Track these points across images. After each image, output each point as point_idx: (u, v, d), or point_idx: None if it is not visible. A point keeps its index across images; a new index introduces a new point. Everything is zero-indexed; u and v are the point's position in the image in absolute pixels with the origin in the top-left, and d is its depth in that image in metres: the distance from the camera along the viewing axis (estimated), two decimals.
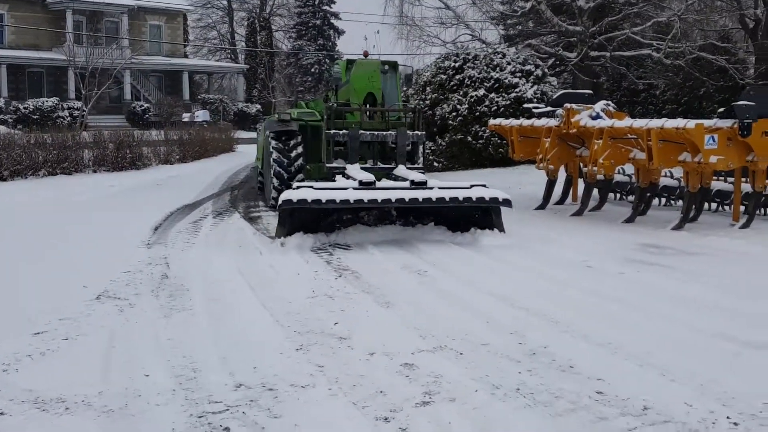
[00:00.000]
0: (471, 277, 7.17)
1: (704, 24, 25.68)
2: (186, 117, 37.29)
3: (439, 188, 8.33)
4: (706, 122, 9.83)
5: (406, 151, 10.37)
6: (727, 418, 3.99)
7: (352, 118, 10.76)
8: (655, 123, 10.13)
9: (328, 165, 10.09)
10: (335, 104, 10.70)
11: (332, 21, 51.76)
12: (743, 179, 10.58)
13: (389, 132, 10.37)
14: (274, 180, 11.45)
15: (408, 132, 10.24)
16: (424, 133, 10.84)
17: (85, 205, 13.53)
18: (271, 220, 11.43)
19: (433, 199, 8.17)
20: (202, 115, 39.13)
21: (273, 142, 11.52)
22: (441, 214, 8.95)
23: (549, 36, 24.10)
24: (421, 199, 8.10)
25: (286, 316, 6.00)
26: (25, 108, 35.75)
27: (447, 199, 8.21)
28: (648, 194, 11.36)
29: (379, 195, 8.06)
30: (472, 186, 8.57)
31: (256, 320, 5.91)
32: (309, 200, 7.75)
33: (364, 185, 8.19)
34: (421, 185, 8.28)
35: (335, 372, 4.70)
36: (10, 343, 5.21)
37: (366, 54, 12.88)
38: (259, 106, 44.60)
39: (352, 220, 8.80)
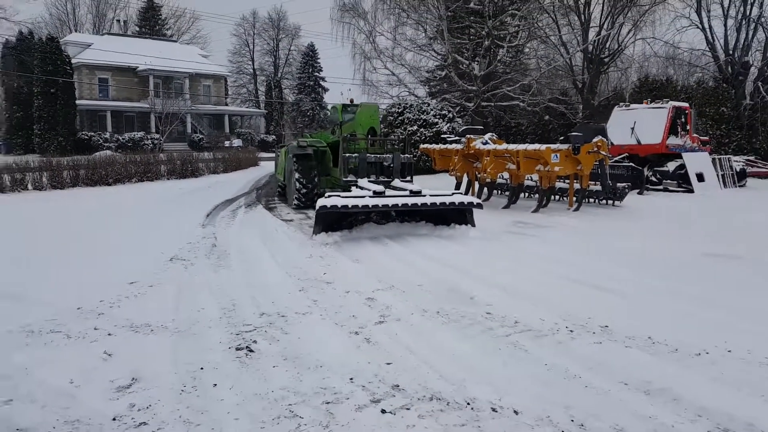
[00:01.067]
0: (420, 249, 7.12)
1: (551, 85, 26.44)
2: (227, 143, 36.89)
3: (430, 195, 7.60)
4: (552, 146, 10.11)
5: (400, 169, 9.58)
6: (566, 327, 4.10)
7: (357, 145, 9.86)
8: (521, 147, 10.33)
9: (344, 179, 9.17)
10: (348, 135, 9.79)
11: (320, 82, 51.64)
12: (575, 181, 10.84)
13: (387, 155, 9.60)
14: (296, 192, 10.81)
15: (401, 155, 9.58)
16: (412, 155, 10.22)
17: (163, 200, 13.28)
18: (282, 210, 11.32)
19: (428, 204, 7.52)
20: (237, 142, 38.70)
21: (296, 164, 10.80)
22: (428, 214, 8.16)
23: (456, 92, 24.26)
24: (419, 204, 7.51)
25: (292, 269, 5.98)
26: (123, 138, 35.05)
27: (438, 204, 7.54)
28: (517, 190, 11.52)
29: (389, 201, 7.43)
30: (453, 193, 7.83)
31: (272, 273, 5.89)
32: (339, 206, 7.03)
33: (377, 194, 7.46)
34: (417, 194, 7.62)
35: (324, 304, 4.72)
36: (115, 289, 5.15)
37: (351, 101, 11.86)
38: (274, 136, 44.49)
39: (365, 219, 8.03)
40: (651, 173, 14.73)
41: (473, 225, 8.03)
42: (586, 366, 3.41)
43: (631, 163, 14.09)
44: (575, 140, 9.85)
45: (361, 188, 8.34)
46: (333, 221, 7.56)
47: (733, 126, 23.85)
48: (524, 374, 3.32)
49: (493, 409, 2.89)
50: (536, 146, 10.13)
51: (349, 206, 7.11)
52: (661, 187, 14.54)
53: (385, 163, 9.67)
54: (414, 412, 2.86)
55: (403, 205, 7.50)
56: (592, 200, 11.49)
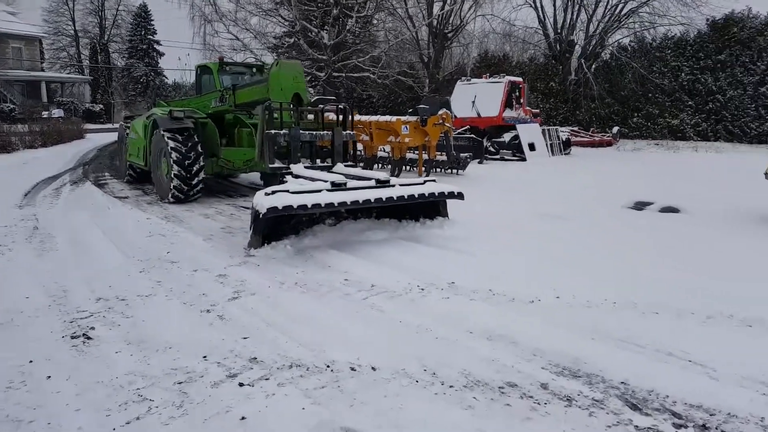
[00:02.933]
0: None
1: (400, 58, 27.47)
2: (45, 114, 32.75)
3: (401, 185, 5.93)
4: (402, 118, 10.53)
5: (342, 149, 7.63)
6: (417, 286, 4.38)
7: (274, 119, 7.26)
8: (374, 118, 10.61)
9: (270, 165, 6.89)
10: (270, 103, 6.99)
11: (155, 46, 47.70)
12: (423, 152, 11.45)
13: (325, 132, 7.51)
14: (174, 181, 8.04)
15: (342, 131, 7.55)
16: (354, 132, 8.27)
17: None
18: (115, 186, 10.44)
19: (405, 196, 5.75)
20: (57, 112, 34.48)
21: (171, 142, 7.99)
22: (397, 208, 6.22)
23: (306, 61, 24.00)
24: (395, 197, 5.63)
25: (131, 250, 5.59)
26: None
27: (416, 195, 5.85)
28: (399, 164, 11.55)
29: (358, 195, 5.42)
30: (425, 182, 6.20)
31: (108, 254, 5.44)
32: (295, 206, 4.99)
33: (337, 186, 5.54)
34: (385, 183, 5.89)
35: (170, 284, 4.50)
36: None
37: (221, 59, 9.87)
38: (101, 106, 40.39)
39: (315, 221, 5.95)
40: (489, 144, 16.02)
41: (447, 216, 6.46)
42: (436, 319, 3.70)
43: (472, 135, 15.20)
44: (422, 113, 10.38)
45: (299, 178, 6.28)
46: (271, 227, 5.45)
47: (560, 99, 26.73)
48: (381, 333, 3.50)
49: (352, 368, 3.02)
50: (388, 118, 10.49)
51: (309, 206, 5.07)
52: (498, 156, 15.89)
53: (319, 143, 7.81)
54: (273, 382, 2.89)
55: (376, 199, 5.53)
56: (438, 169, 12.20)
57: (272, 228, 5.40)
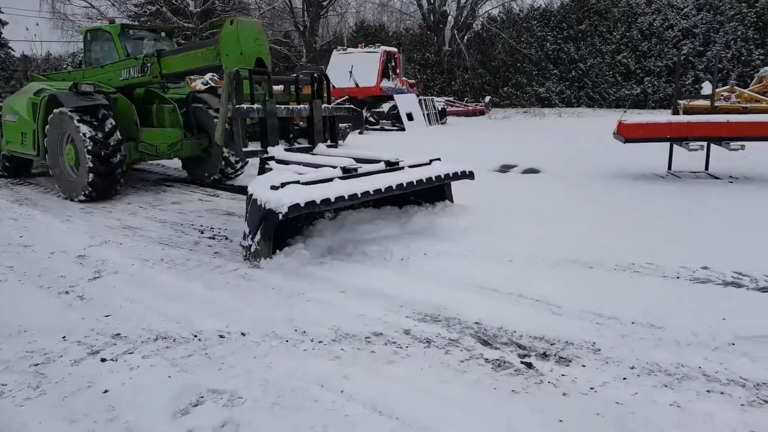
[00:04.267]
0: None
1: (274, 26, 26.90)
2: None
3: (410, 167, 5.15)
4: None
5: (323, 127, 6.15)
6: None
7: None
8: None
9: (244, 150, 5.28)
10: (238, 71, 5.25)
11: None
12: (301, 121, 11.34)
13: (304, 106, 5.94)
14: (91, 174, 6.49)
15: (322, 104, 6.01)
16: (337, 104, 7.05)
17: None
18: None
19: (424, 180, 4.99)
20: None
21: (83, 126, 6.44)
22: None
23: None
24: (415, 182, 4.88)
25: None
26: None
27: (433, 178, 5.10)
28: None
29: (378, 183, 4.57)
30: (431, 161, 5.48)
31: None
32: (318, 201, 4.04)
33: (349, 173, 4.64)
34: (394, 165, 5.06)
35: (23, 268, 4.25)
36: None
37: (112, 22, 8.23)
38: None
39: (313, 217, 4.97)
40: (369, 114, 16.32)
41: (451, 200, 5.82)
42: (309, 283, 3.85)
43: (351, 105, 15.38)
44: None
45: (280, 162, 5.20)
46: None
47: (436, 70, 27.67)
48: (251, 301, 3.58)
49: (221, 336, 3.09)
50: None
51: (332, 199, 4.15)
52: (378, 126, 16.26)
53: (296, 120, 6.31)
54: (138, 355, 2.88)
55: (398, 186, 4.73)
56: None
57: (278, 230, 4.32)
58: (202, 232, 4.97)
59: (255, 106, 5.30)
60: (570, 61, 25.24)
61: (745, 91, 17.26)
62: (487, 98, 23.02)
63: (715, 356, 2.77)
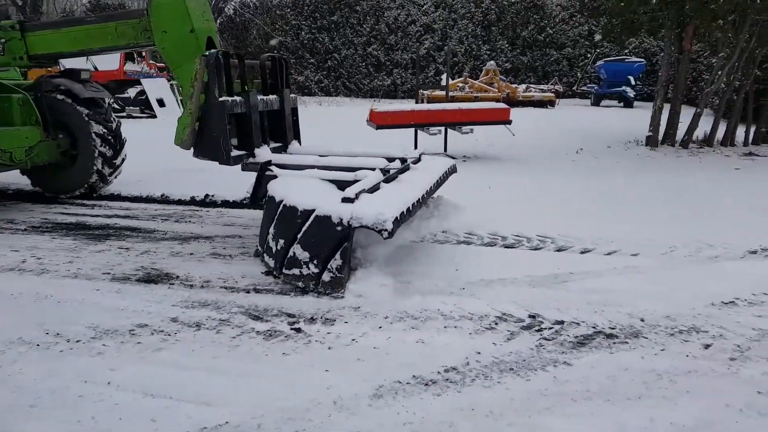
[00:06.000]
0: None
1: None
2: None
3: (413, 162, 4.84)
4: None
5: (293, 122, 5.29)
6: None
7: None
8: None
9: (234, 155, 4.31)
10: (218, 53, 4.21)
11: None
12: None
13: (274, 96, 4.96)
14: None
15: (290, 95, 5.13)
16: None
17: None
18: None
19: (444, 175, 4.78)
20: None
21: None
22: None
23: None
24: (440, 179, 4.64)
25: None
26: None
27: (448, 173, 4.89)
28: None
29: (422, 184, 4.13)
30: (420, 156, 5.13)
31: None
32: (406, 212, 3.55)
33: (387, 175, 4.19)
34: (410, 163, 4.68)
35: None
36: None
37: None
38: None
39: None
40: (113, 100, 15.07)
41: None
42: (54, 287, 3.60)
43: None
44: None
45: (283, 167, 4.42)
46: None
47: None
48: None
49: None
50: None
51: (411, 208, 3.71)
52: (124, 114, 15.12)
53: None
54: None
55: (435, 184, 4.48)
56: None
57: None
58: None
59: (236, 98, 4.37)
60: (326, 51, 26.49)
61: (476, 82, 20.30)
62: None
63: (450, 299, 3.41)
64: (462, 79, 20.26)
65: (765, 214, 5.67)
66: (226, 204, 6.15)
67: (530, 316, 3.23)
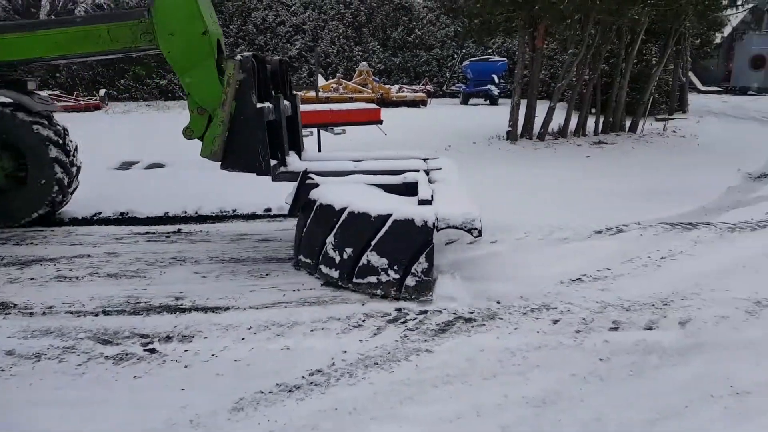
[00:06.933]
0: None
1: None
2: None
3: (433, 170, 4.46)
4: None
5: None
6: None
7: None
8: None
9: (285, 170, 4.19)
10: (251, 57, 3.88)
11: None
12: None
13: (287, 102, 4.54)
14: None
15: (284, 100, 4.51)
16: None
17: None
18: None
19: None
20: None
21: None
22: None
23: None
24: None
25: None
26: None
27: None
28: None
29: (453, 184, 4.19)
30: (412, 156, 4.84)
31: None
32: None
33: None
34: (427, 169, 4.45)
35: None
36: None
37: None
38: None
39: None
40: None
41: None
42: None
43: None
44: None
45: (307, 177, 4.11)
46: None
47: None
48: None
49: None
50: None
51: None
52: None
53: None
54: None
55: None
56: None
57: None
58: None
59: (267, 104, 4.05)
60: None
61: (350, 83, 20.51)
62: (102, 91, 21.47)
63: (314, 304, 3.41)
64: (335, 80, 20.39)
65: (610, 197, 6.26)
66: (75, 222, 5.70)
67: (396, 309, 3.31)
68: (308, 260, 3.90)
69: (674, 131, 13.02)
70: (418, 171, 4.19)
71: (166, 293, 3.64)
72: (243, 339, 2.99)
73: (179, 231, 5.23)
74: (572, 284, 3.70)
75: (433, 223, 3.30)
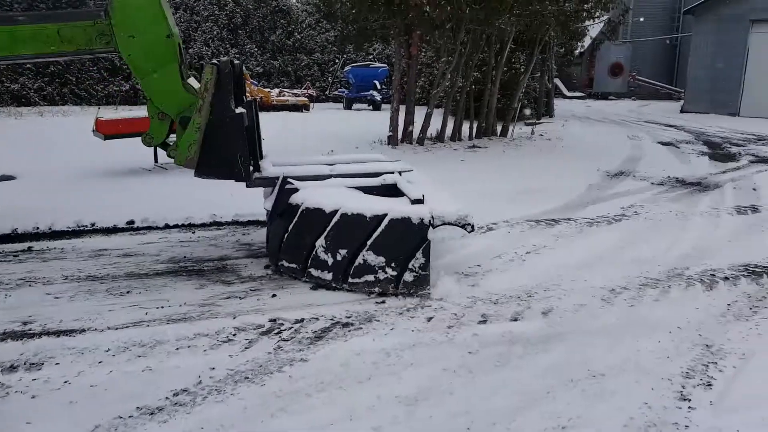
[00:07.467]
0: None
1: None
2: None
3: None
4: None
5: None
6: None
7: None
8: None
9: (259, 176, 4.04)
10: (228, 62, 3.61)
11: None
12: None
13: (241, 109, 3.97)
14: None
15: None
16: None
17: None
18: None
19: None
20: None
21: None
22: None
23: None
24: None
25: None
26: None
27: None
28: None
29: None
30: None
31: None
32: None
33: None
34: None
35: None
36: None
37: None
38: None
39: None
40: None
41: None
42: None
43: None
44: None
45: (288, 181, 4.02)
46: None
47: None
48: None
49: None
50: None
51: None
52: None
53: None
54: None
55: None
56: None
57: None
58: None
59: (245, 110, 3.94)
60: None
61: None
62: None
63: (180, 321, 3.26)
64: None
65: (482, 197, 6.57)
66: None
67: (270, 320, 3.24)
68: (293, 265, 3.90)
69: (541, 135, 13.96)
70: (392, 173, 4.31)
71: (12, 318, 3.31)
72: (100, 362, 2.78)
73: (29, 249, 4.79)
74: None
75: (429, 221, 3.47)
